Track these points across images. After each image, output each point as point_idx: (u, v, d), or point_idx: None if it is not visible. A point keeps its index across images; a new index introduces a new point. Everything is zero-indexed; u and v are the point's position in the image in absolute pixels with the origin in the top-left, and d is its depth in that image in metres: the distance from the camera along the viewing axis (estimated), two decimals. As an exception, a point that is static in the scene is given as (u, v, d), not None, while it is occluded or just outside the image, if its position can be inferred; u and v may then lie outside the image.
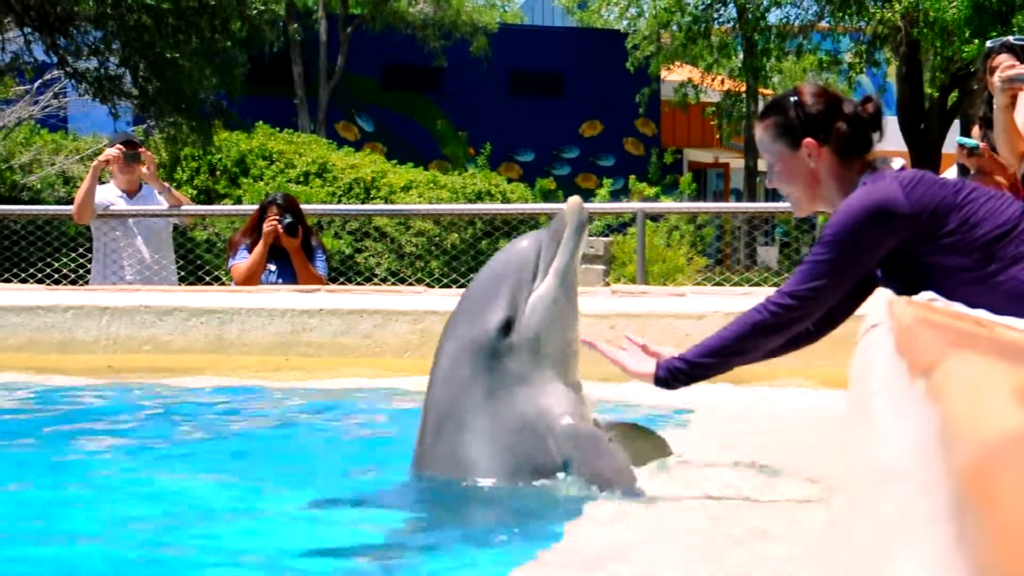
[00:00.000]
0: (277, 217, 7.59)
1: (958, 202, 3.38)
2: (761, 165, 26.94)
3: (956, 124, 27.99)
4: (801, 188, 3.59)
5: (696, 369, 3.48)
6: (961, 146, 6.69)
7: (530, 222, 15.37)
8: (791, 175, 3.59)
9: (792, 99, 3.57)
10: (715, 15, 29.87)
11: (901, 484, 1.20)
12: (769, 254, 18.88)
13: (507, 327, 3.48)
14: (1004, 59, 5.70)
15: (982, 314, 3.02)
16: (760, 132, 3.64)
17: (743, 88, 30.82)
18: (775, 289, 3.53)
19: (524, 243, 3.64)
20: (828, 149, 3.53)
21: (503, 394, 3.47)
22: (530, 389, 3.48)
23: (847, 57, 29.64)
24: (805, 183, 3.57)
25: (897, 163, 3.60)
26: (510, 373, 3.48)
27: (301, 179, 16.78)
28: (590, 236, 13.73)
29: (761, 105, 29.54)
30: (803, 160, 3.54)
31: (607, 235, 14.51)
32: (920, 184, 3.39)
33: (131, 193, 8.61)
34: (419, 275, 14.60)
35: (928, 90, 26.94)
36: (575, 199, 3.65)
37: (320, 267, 7.79)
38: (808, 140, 3.52)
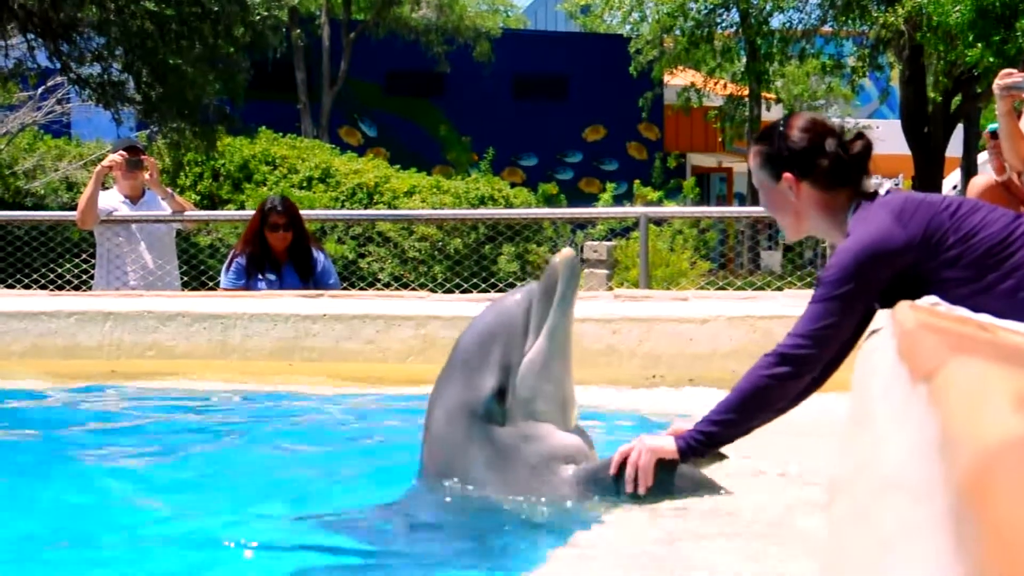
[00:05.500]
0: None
1: (952, 221, 3.38)
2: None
3: (960, 128, 27.98)
4: (785, 218, 3.61)
5: (717, 427, 3.33)
6: (991, 135, 6.61)
7: (533, 227, 15.38)
8: (775, 204, 3.60)
9: (779, 129, 3.57)
10: (718, 20, 29.85)
11: (901, 492, 1.20)
12: (773, 258, 18.87)
13: (501, 394, 3.46)
14: None
15: (985, 318, 3.02)
16: (751, 157, 3.65)
17: (746, 92, 30.81)
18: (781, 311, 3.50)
19: (513, 299, 3.57)
20: (807, 184, 3.51)
21: (506, 454, 3.47)
22: (532, 444, 3.47)
23: (850, 61, 29.62)
24: (788, 214, 3.58)
25: (884, 186, 3.60)
26: (509, 435, 3.47)
27: (304, 184, 16.79)
28: (594, 241, 13.75)
29: (764, 110, 29.64)
30: (784, 192, 3.54)
31: (610, 240, 14.51)
32: (912, 211, 3.38)
33: (134, 199, 8.61)
34: (422, 280, 14.61)
35: (931, 94, 26.91)
36: (567, 252, 3.54)
37: (328, 275, 7.82)
38: (787, 175, 3.51)
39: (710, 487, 3.37)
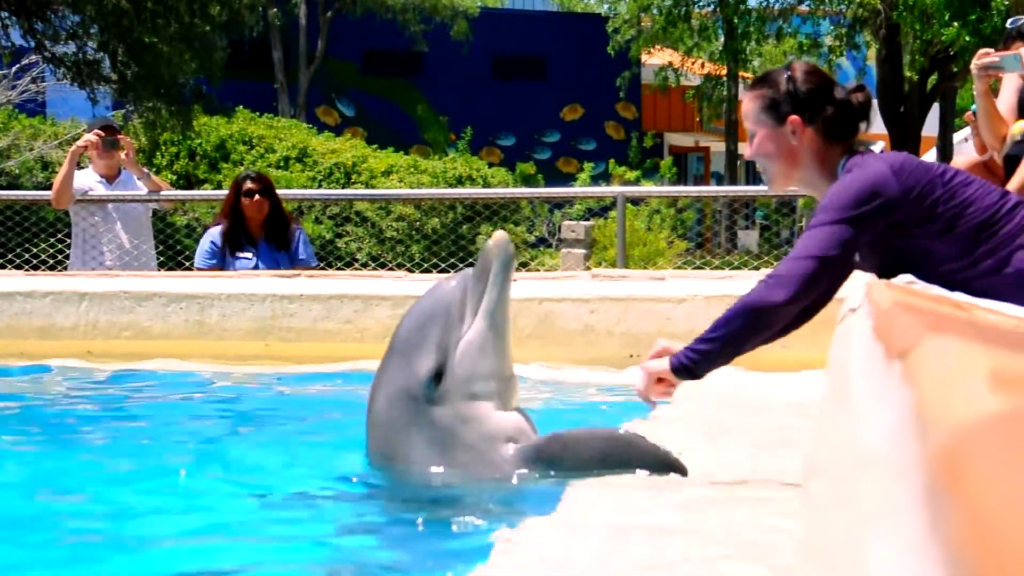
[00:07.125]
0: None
1: (945, 186, 3.41)
2: (741, 148, 26.97)
3: (936, 107, 28.07)
4: (779, 164, 3.60)
5: (711, 344, 3.31)
6: (975, 115, 6.65)
7: (511, 206, 15.38)
8: (772, 149, 3.59)
9: (786, 74, 3.58)
10: (695, -2, 29.88)
11: (878, 469, 1.20)
12: (749, 237, 18.92)
13: (438, 375, 3.48)
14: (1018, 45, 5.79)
15: (961, 297, 3.04)
16: (748, 102, 3.64)
17: (723, 71, 30.84)
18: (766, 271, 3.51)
19: (450, 285, 3.60)
20: (812, 129, 3.53)
21: (445, 436, 3.48)
22: (471, 424, 3.48)
23: (827, 40, 29.67)
24: (784, 160, 3.58)
25: (877, 147, 3.62)
26: (447, 416, 3.48)
27: (281, 164, 16.75)
28: (572, 220, 13.75)
29: (741, 89, 29.65)
30: (786, 136, 3.55)
31: (588, 219, 14.51)
32: (909, 169, 3.41)
33: (110, 178, 8.57)
34: (400, 260, 14.60)
35: (908, 73, 27.00)
36: (500, 235, 3.56)
37: (305, 254, 7.78)
38: (794, 117, 3.53)
39: (670, 463, 3.38)
